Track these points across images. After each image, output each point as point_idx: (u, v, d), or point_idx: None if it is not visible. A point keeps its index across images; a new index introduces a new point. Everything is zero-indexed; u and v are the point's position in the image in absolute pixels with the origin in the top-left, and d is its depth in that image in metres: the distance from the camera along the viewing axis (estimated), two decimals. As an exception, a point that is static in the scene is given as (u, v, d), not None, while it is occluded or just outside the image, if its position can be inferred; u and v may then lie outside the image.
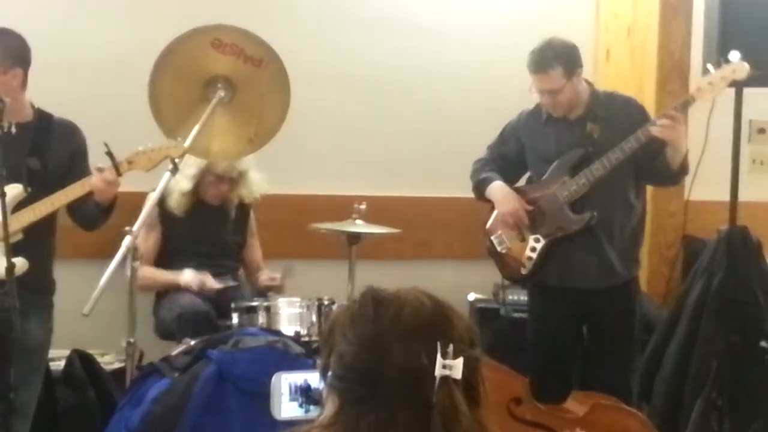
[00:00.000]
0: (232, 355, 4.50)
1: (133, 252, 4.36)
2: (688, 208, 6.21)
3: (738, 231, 5.16)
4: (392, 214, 5.72)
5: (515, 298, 6.08)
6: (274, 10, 6.12)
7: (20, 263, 4.24)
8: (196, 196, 5.62)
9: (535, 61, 5.07)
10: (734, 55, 4.86)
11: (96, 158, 4.48)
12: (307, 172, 6.19)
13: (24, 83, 4.55)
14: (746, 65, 4.83)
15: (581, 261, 5.15)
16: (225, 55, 4.48)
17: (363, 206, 5.32)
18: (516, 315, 5.99)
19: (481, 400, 1.93)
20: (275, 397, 3.61)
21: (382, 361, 1.86)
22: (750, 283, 5.14)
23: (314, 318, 5.01)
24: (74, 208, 4.64)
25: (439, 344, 1.85)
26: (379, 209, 5.48)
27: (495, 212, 5.35)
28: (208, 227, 5.66)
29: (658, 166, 5.05)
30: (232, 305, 5.07)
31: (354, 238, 5.36)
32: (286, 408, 3.60)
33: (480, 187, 5.37)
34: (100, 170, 4.42)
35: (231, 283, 5.59)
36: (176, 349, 4.83)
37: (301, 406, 3.57)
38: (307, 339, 4.87)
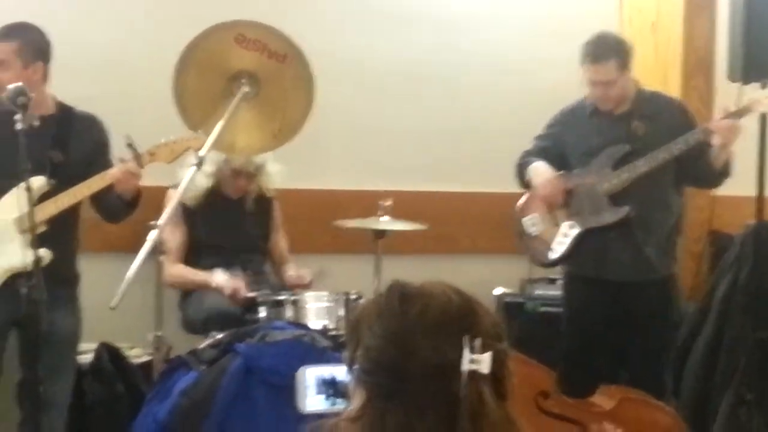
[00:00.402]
0: (259, 349, 4.50)
1: (159, 246, 4.37)
2: (715, 203, 6.19)
3: (765, 226, 5.15)
4: (418, 209, 5.71)
5: (541, 292, 6.08)
6: (298, 6, 6.12)
7: (43, 254, 4.28)
8: (214, 190, 5.62)
9: (591, 51, 5.07)
10: None
11: (120, 154, 4.49)
12: (333, 168, 6.19)
13: (45, 77, 4.59)
14: None
15: (617, 254, 5.15)
16: (249, 51, 4.48)
17: (389, 203, 5.32)
18: (542, 309, 5.99)
19: (508, 394, 1.92)
20: (301, 391, 3.63)
21: (409, 356, 1.85)
22: (777, 277, 5.13)
23: (342, 312, 5.01)
24: (98, 200, 4.66)
25: (466, 338, 1.85)
26: (405, 204, 5.48)
27: (529, 195, 5.37)
28: (229, 221, 5.65)
29: (701, 167, 5.06)
30: (259, 299, 5.07)
31: (380, 232, 5.36)
32: (312, 401, 3.62)
33: (521, 169, 5.38)
34: (122, 161, 4.44)
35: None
36: (203, 343, 4.85)
37: (327, 399, 3.57)
38: (334, 333, 4.87)
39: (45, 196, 4.38)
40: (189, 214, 5.59)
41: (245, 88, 4.49)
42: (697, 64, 6.22)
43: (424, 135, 6.40)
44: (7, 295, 4.44)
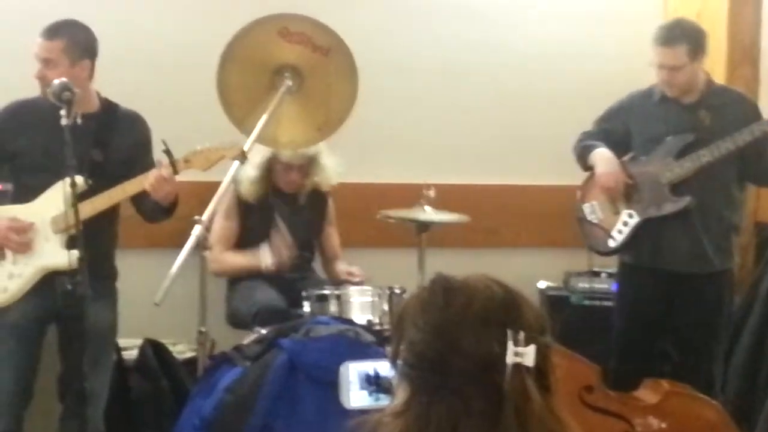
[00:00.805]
0: (304, 344, 4.50)
1: (203, 241, 4.38)
2: (760, 195, 6.13)
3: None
4: (461, 201, 5.69)
5: (585, 285, 6.05)
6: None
7: (78, 255, 4.31)
8: (268, 183, 5.60)
9: (663, 34, 5.05)
10: None
11: (160, 154, 4.50)
12: (376, 160, 6.17)
13: (91, 74, 4.60)
14: None
15: (674, 244, 5.13)
16: (292, 44, 4.48)
17: (432, 192, 5.30)
18: (586, 303, 5.96)
19: (552, 387, 1.91)
20: (344, 386, 3.62)
21: (453, 350, 1.85)
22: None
23: (386, 306, 5.00)
24: (136, 202, 4.67)
25: (510, 332, 1.84)
26: (448, 197, 5.47)
27: (590, 180, 5.35)
28: (282, 215, 5.64)
29: (765, 165, 5.03)
30: (304, 294, 5.07)
31: (423, 226, 5.35)
32: (356, 397, 3.60)
33: (584, 153, 5.35)
34: (157, 168, 4.44)
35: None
36: (247, 338, 4.86)
37: (371, 394, 3.56)
38: (379, 328, 4.86)
39: (83, 196, 4.40)
40: (243, 207, 5.59)
41: (288, 82, 4.50)
42: (742, 54, 6.17)
43: (468, 127, 6.37)
44: (44, 292, 4.46)
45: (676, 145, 5.11)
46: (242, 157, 4.35)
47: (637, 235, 5.18)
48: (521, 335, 1.84)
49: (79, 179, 4.27)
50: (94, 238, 4.28)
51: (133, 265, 4.93)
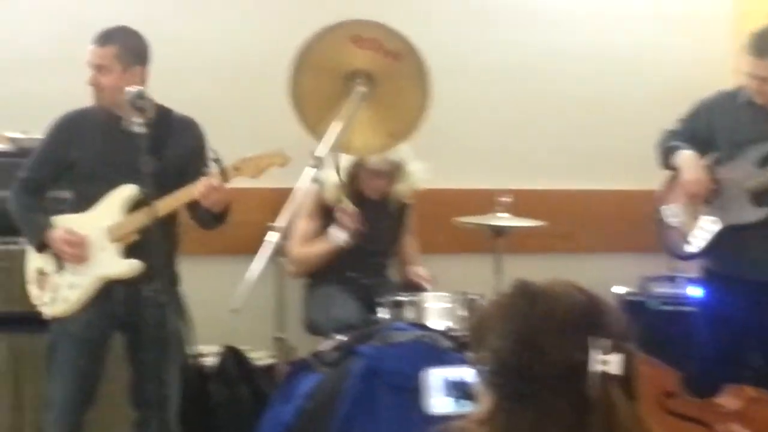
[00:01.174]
0: (382, 350, 4.49)
1: (279, 248, 4.39)
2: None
3: None
4: (537, 206, 5.67)
5: (662, 290, 5.99)
6: (410, 4, 6.10)
7: (135, 265, 4.41)
8: (354, 188, 5.60)
9: (757, 45, 4.92)
10: None
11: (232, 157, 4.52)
12: (451, 166, 6.15)
13: (144, 80, 4.59)
14: None
15: (758, 253, 5.02)
16: (364, 50, 4.48)
17: (508, 199, 5.28)
18: (663, 308, 5.91)
19: (637, 394, 1.89)
20: (427, 392, 3.61)
21: (538, 357, 1.84)
22: None
23: (463, 312, 4.97)
24: (190, 210, 4.68)
25: (594, 339, 1.83)
26: (523, 202, 5.44)
27: (671, 182, 5.28)
28: (366, 222, 5.61)
29: None
30: (379, 300, 5.07)
31: (499, 231, 5.33)
32: (439, 403, 3.60)
33: (668, 153, 5.27)
34: (207, 176, 4.46)
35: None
36: (325, 344, 4.86)
37: (455, 401, 3.55)
38: (456, 334, 4.84)
39: (137, 205, 4.42)
40: (327, 210, 5.59)
41: (361, 88, 4.49)
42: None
43: (543, 132, 6.36)
44: (103, 301, 4.52)
45: (760, 152, 5.02)
46: (318, 164, 4.34)
47: (718, 241, 5.10)
48: (606, 342, 1.83)
49: (135, 188, 4.32)
50: (154, 246, 4.30)
51: (209, 272, 4.97)
